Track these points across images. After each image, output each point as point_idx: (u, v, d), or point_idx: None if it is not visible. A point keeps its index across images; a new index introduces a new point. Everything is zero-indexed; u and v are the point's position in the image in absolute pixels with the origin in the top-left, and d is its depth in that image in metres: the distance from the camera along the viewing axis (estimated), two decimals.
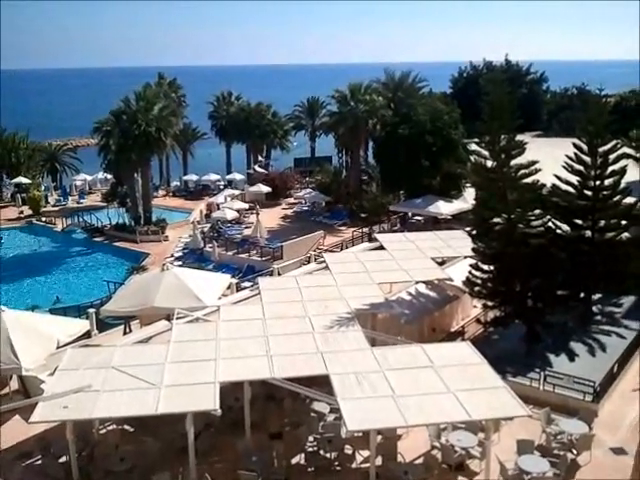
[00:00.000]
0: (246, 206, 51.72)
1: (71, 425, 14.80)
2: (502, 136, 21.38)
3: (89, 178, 68.29)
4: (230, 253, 41.35)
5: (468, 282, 22.64)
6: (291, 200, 58.77)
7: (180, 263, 38.34)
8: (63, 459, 15.69)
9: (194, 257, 41.83)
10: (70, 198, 62.77)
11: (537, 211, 21.99)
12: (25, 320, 19.35)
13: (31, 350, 17.79)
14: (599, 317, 24.74)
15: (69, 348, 18.37)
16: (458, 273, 23.82)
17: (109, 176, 61.23)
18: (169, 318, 21.26)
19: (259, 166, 67.74)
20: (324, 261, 26.09)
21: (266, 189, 57.13)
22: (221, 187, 64.36)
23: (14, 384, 19.56)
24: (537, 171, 21.60)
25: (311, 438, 16.61)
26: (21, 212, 56.41)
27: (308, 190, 57.75)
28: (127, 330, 24.10)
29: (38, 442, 16.48)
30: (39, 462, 16.06)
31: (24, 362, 17.31)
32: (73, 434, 14.86)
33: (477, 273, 22.34)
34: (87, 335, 22.14)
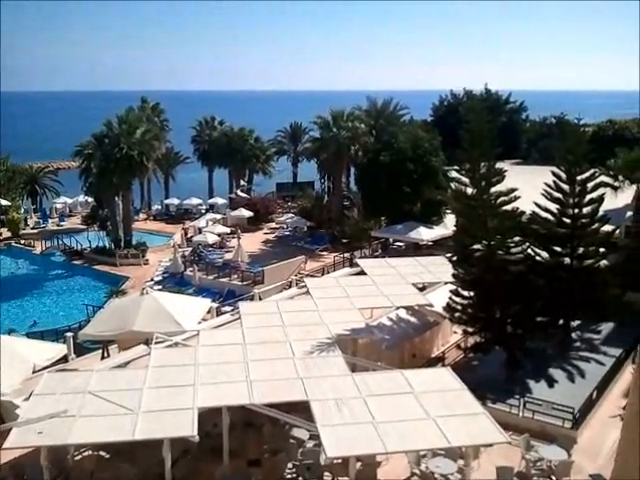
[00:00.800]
0: (228, 230, 51.65)
1: (45, 451, 14.53)
2: (482, 164, 21.61)
3: (69, 201, 67.94)
4: (211, 277, 41.16)
5: (448, 308, 22.71)
6: (273, 225, 58.83)
7: (160, 287, 38.08)
8: None
9: (174, 281, 41.56)
10: (50, 221, 62.28)
11: (516, 238, 22.20)
12: (1, 344, 19.00)
13: (7, 374, 17.45)
14: (578, 344, 24.88)
15: (45, 372, 18.13)
16: (439, 299, 23.89)
17: (90, 199, 60.95)
18: (148, 343, 21.05)
19: (241, 190, 67.80)
20: (305, 286, 26.08)
21: (248, 214, 57.17)
22: (203, 211, 64.29)
23: None
24: (516, 198, 21.83)
25: (290, 465, 16.45)
26: (0, 234, 55.80)
27: (290, 215, 57.88)
28: (105, 354, 23.79)
29: (12, 468, 16.13)
30: None
31: None
32: (47, 460, 14.58)
33: (457, 299, 22.42)
34: (64, 359, 21.86)
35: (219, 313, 27.86)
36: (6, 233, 55.81)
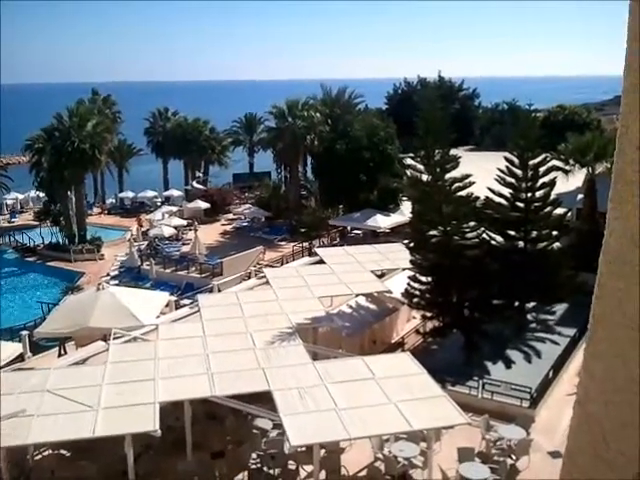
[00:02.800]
0: (184, 223, 51.17)
1: (4, 452, 14.24)
2: (436, 151, 21.85)
3: (21, 197, 66.30)
4: (168, 270, 40.77)
5: (407, 294, 22.96)
6: (230, 216, 58.47)
7: (117, 282, 37.58)
8: None
9: (131, 275, 41.05)
10: (1, 217, 60.80)
11: (472, 223, 22.54)
12: None
13: None
14: (534, 325, 25.46)
15: (1, 372, 17.69)
16: (397, 285, 24.13)
17: (41, 194, 59.56)
18: (106, 338, 20.77)
19: (197, 182, 67.19)
20: (264, 276, 26.04)
21: (205, 205, 56.71)
22: (158, 204, 63.51)
23: None
24: (471, 184, 22.15)
25: (254, 455, 16.46)
26: None
27: (247, 206, 57.66)
28: (62, 352, 23.39)
29: None
30: None
31: None
32: (7, 461, 14.32)
33: (415, 285, 22.68)
34: (20, 358, 21.44)
35: (178, 306, 27.60)
36: None
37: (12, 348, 20.19)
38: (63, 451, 17.08)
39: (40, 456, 16.88)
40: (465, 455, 15.88)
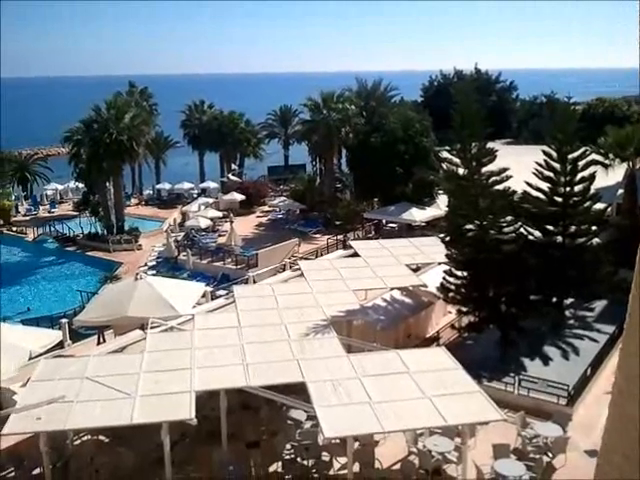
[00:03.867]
0: (220, 214, 51.54)
1: (45, 437, 14.56)
2: (473, 144, 21.63)
3: (60, 187, 67.53)
4: (204, 261, 41.16)
5: (442, 288, 22.83)
6: (265, 208, 58.74)
7: (154, 272, 38.03)
8: (37, 471, 15.45)
9: (168, 266, 41.52)
10: (41, 207, 62.06)
11: (509, 217, 22.28)
12: None
13: (2, 361, 17.45)
14: (572, 321, 25.11)
15: (42, 359, 18.10)
16: (432, 279, 24.01)
17: (80, 185, 60.63)
18: (143, 327, 21.08)
19: (233, 174, 67.60)
20: (299, 268, 26.10)
21: (240, 197, 57.03)
22: (195, 195, 64.09)
23: None
24: (508, 178, 21.89)
25: (288, 446, 16.58)
26: None
27: (282, 198, 57.77)
28: (101, 340, 23.83)
29: (10, 455, 16.13)
30: (12, 475, 15.79)
31: None
32: (47, 446, 14.63)
33: (451, 279, 22.53)
34: (60, 346, 21.85)
35: (213, 297, 27.85)
36: None
37: (52, 336, 20.52)
38: (102, 437, 17.43)
39: (79, 442, 17.24)
40: (500, 451, 15.77)
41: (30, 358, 18.38)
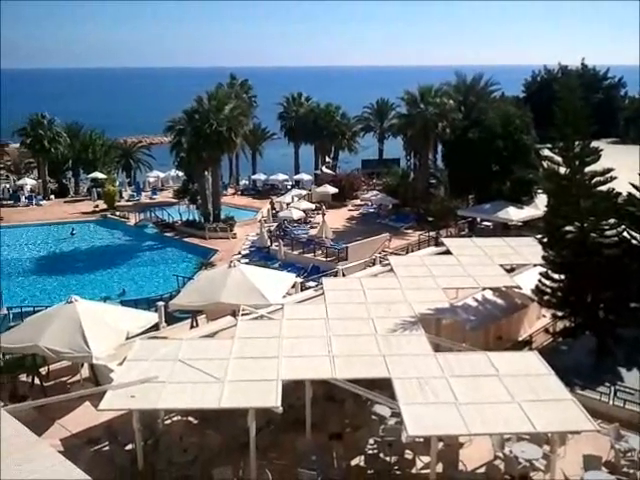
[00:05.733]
0: (312, 206, 52.04)
1: (137, 414, 15.20)
2: (576, 142, 20.82)
3: (162, 175, 70.16)
4: (296, 252, 41.64)
5: (537, 291, 22.14)
6: (357, 202, 58.74)
7: (247, 260, 38.79)
8: (129, 447, 16.13)
9: (260, 255, 42.28)
10: (143, 194, 64.72)
11: (611, 220, 21.31)
12: (97, 311, 20.00)
13: (102, 340, 18.35)
14: None
15: (138, 339, 18.87)
16: (527, 281, 23.29)
17: (181, 173, 62.73)
18: (235, 314, 21.60)
19: (326, 167, 68.00)
20: (389, 264, 25.96)
21: (333, 190, 57.29)
22: (288, 187, 64.94)
23: (85, 372, 20.31)
24: (612, 179, 20.96)
25: (371, 441, 16.55)
26: (96, 206, 58.34)
27: (375, 192, 57.57)
28: (194, 324, 24.57)
29: (106, 429, 16.98)
30: (106, 448, 16.58)
31: (95, 351, 17.85)
32: (139, 423, 15.27)
33: (547, 282, 21.82)
34: (155, 327, 22.71)
35: (303, 288, 28.18)
36: (102, 205, 58.22)
37: (149, 317, 21.36)
38: (190, 418, 18.03)
39: (169, 421, 17.90)
40: (591, 463, 15.15)
41: (127, 338, 19.23)
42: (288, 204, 53.17)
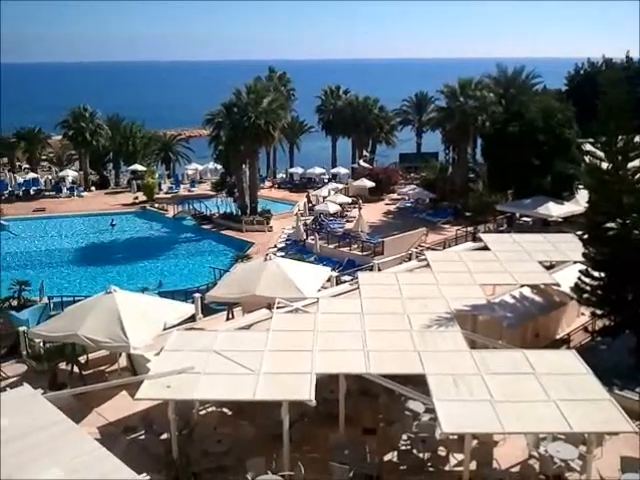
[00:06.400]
0: (349, 200, 51.93)
1: (173, 404, 15.38)
2: (619, 137, 20.35)
3: (200, 167, 70.83)
4: (331, 246, 41.64)
5: (577, 288, 21.71)
6: (394, 196, 58.47)
7: (283, 254, 38.98)
8: (164, 436, 16.36)
9: (296, 248, 42.41)
10: (182, 186, 65.43)
11: None
12: (135, 301, 20.26)
13: (139, 330, 18.60)
14: None
15: (175, 330, 19.08)
16: (566, 278, 22.85)
17: (219, 166, 63.25)
18: (270, 307, 21.71)
19: (364, 160, 67.77)
20: (425, 259, 25.77)
21: (370, 184, 57.08)
22: (325, 180, 64.93)
23: (123, 361, 20.66)
24: None
25: (405, 436, 16.50)
26: (136, 198, 59.22)
27: (412, 186, 57.23)
28: (230, 316, 24.80)
29: (142, 418, 17.26)
30: (142, 437, 16.86)
31: (132, 341, 18.08)
32: (174, 413, 15.44)
33: (587, 280, 21.38)
34: (192, 319, 22.99)
35: (338, 282, 28.16)
36: (141, 197, 59.07)
37: (186, 309, 21.58)
38: (225, 409, 18.21)
39: (204, 412, 18.11)
40: (629, 465, 14.83)
41: (164, 329, 19.49)
42: (324, 197, 53.15)
